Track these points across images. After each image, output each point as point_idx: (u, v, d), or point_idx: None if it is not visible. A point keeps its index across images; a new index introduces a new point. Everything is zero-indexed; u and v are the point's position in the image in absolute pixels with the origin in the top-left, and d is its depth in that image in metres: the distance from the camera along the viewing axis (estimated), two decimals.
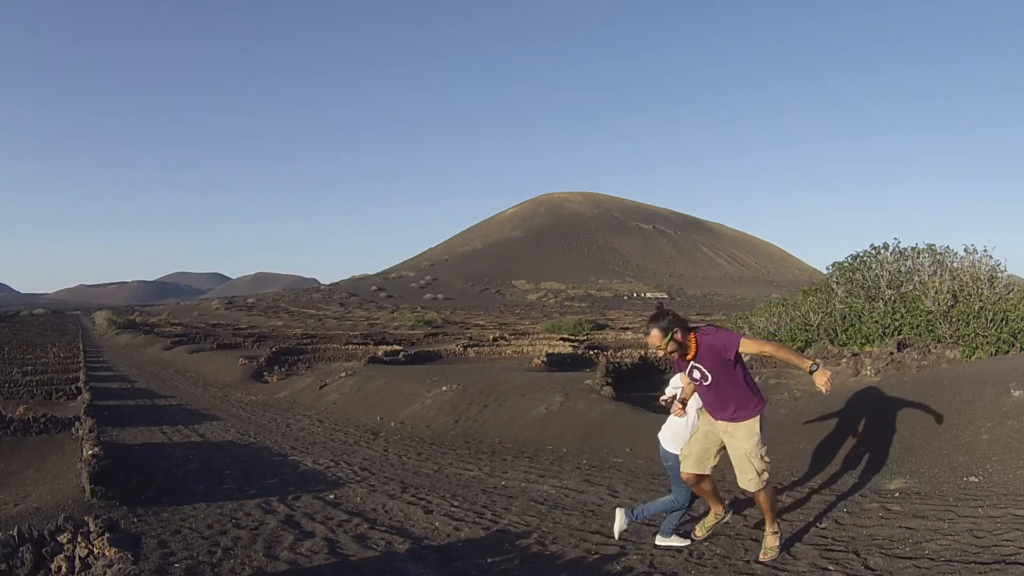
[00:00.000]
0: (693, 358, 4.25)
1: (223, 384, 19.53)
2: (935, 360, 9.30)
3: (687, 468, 4.49)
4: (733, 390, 4.25)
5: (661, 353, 4.30)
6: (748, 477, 4.30)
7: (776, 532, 4.45)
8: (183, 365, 25.23)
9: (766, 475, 4.31)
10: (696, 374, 4.30)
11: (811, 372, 3.99)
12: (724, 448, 4.45)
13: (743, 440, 4.27)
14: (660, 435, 4.85)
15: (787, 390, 9.92)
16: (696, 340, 4.21)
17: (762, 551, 4.42)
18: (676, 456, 4.66)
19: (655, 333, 4.20)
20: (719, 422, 4.37)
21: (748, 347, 4.14)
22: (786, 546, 4.57)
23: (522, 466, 7.94)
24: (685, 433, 4.68)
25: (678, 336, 4.18)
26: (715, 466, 4.55)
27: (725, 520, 4.84)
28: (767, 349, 4.19)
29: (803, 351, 13.42)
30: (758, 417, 4.28)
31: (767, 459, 4.32)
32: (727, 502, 4.84)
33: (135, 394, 17.36)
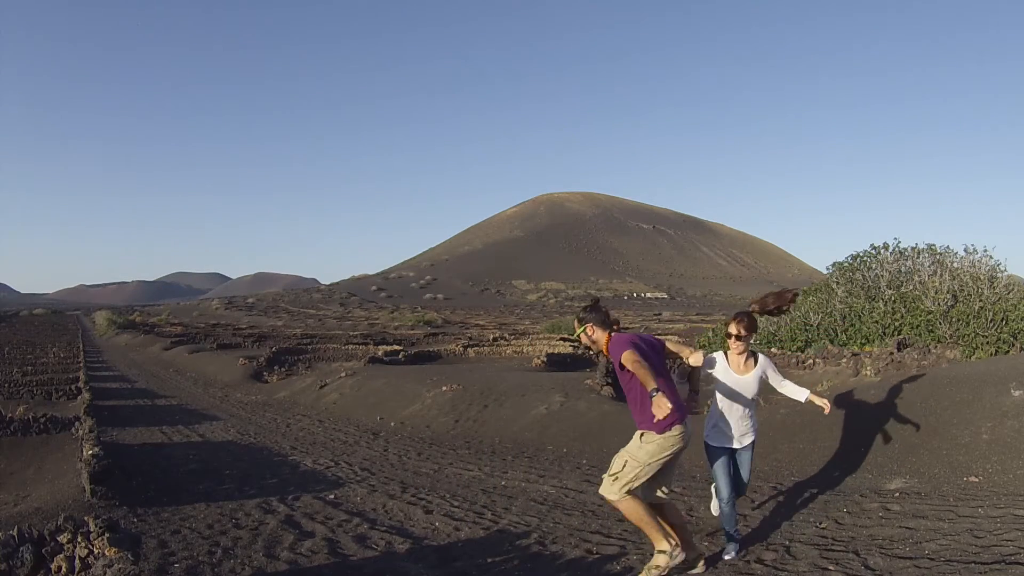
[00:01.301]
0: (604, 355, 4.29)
1: (223, 384, 19.53)
2: (935, 360, 9.30)
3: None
4: (631, 398, 4.08)
5: (581, 342, 4.32)
6: (606, 473, 4.07)
7: (663, 551, 3.99)
8: (183, 365, 25.23)
9: (617, 486, 3.95)
10: None
11: (651, 396, 3.69)
12: (668, 468, 4.12)
13: (629, 443, 4.08)
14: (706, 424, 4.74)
15: None
16: (608, 342, 4.13)
17: (644, 570, 4.10)
18: (713, 448, 4.55)
19: (575, 323, 4.29)
20: None
21: (627, 360, 3.85)
22: (786, 546, 4.57)
23: (522, 466, 7.94)
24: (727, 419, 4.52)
25: (589, 331, 4.18)
26: (667, 493, 4.19)
27: (688, 568, 4.19)
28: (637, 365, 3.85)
29: (803, 351, 13.44)
30: (647, 433, 3.96)
31: (633, 476, 3.94)
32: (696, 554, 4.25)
33: (135, 394, 17.37)
